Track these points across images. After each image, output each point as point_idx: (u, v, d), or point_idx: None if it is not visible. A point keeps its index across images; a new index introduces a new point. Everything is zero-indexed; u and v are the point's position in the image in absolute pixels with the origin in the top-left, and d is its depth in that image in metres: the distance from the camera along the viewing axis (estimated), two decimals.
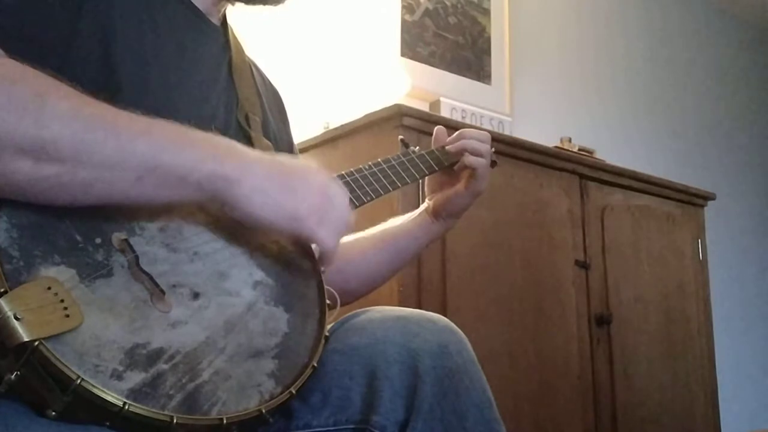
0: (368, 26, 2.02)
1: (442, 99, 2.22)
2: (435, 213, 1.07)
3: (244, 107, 0.91)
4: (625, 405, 1.87)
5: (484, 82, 2.46)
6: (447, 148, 1.07)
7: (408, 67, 2.16)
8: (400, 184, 0.96)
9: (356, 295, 1.04)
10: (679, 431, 2.03)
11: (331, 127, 1.78)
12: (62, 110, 0.59)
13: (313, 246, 0.78)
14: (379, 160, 0.95)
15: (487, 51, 2.50)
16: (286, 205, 0.69)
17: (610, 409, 1.84)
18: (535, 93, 2.66)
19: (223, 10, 0.95)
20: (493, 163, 1.10)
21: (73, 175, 0.59)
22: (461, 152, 1.05)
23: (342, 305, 0.81)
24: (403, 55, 2.24)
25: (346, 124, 1.68)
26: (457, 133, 1.07)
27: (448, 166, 1.06)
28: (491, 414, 0.77)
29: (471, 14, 2.48)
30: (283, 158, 0.74)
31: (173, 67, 0.82)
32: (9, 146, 0.56)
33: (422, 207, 1.10)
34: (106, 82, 0.72)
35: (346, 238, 1.03)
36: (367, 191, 0.90)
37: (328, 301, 0.77)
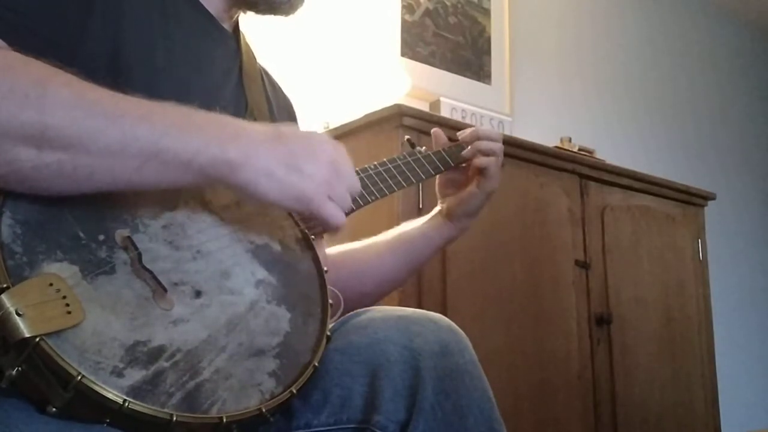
0: (368, 26, 2.02)
1: (442, 99, 2.23)
2: (449, 215, 1.07)
3: (252, 113, 0.91)
4: (625, 405, 1.87)
5: (484, 82, 2.46)
6: (463, 153, 1.06)
7: (408, 67, 2.16)
8: (405, 184, 0.96)
9: (373, 298, 1.03)
10: (679, 431, 2.03)
11: (331, 127, 1.78)
12: (63, 97, 0.59)
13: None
14: (385, 160, 0.95)
15: (487, 51, 2.50)
16: (292, 187, 0.69)
17: (610, 409, 1.84)
18: (535, 93, 2.66)
19: (235, 16, 0.95)
20: None
21: (75, 162, 0.59)
22: (475, 154, 1.05)
23: (359, 309, 0.81)
24: (403, 55, 2.24)
25: (346, 124, 1.68)
26: (471, 131, 1.07)
27: (454, 166, 1.05)
28: (492, 414, 0.77)
29: (471, 14, 2.48)
30: (289, 131, 0.73)
31: (183, 71, 0.82)
32: (11, 134, 0.56)
33: (436, 210, 1.09)
34: (114, 84, 0.72)
35: (360, 243, 1.04)
36: (372, 191, 0.90)
37: (330, 301, 0.77)
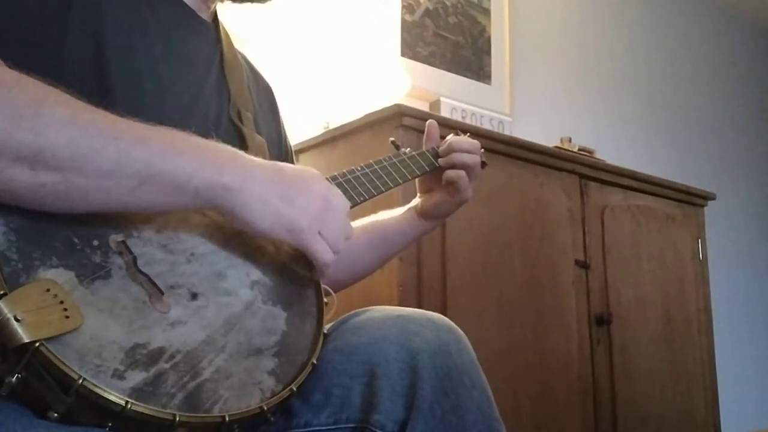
0: (368, 26, 2.02)
1: (442, 99, 2.23)
2: (422, 213, 1.09)
3: (236, 103, 0.91)
4: (625, 405, 1.88)
5: (484, 82, 2.46)
6: (439, 161, 1.07)
7: (408, 67, 2.17)
8: (392, 185, 0.97)
9: (345, 284, 1.04)
10: (679, 431, 2.03)
11: (331, 127, 1.79)
12: (59, 117, 0.58)
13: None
14: (371, 161, 0.96)
15: (487, 51, 2.50)
16: (285, 216, 0.69)
17: (610, 409, 1.84)
18: (535, 93, 2.66)
19: (213, 6, 0.94)
20: (483, 164, 1.10)
21: (70, 182, 0.58)
22: (448, 165, 1.05)
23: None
24: (403, 55, 2.24)
25: (346, 124, 1.68)
26: (447, 145, 1.07)
27: (438, 167, 1.06)
28: (491, 413, 0.77)
29: (471, 14, 2.48)
30: (285, 166, 0.74)
31: (164, 64, 0.81)
32: (6, 153, 0.56)
33: (413, 203, 1.11)
34: (98, 82, 0.72)
35: None
36: (360, 192, 0.90)
37: (325, 300, 0.77)
